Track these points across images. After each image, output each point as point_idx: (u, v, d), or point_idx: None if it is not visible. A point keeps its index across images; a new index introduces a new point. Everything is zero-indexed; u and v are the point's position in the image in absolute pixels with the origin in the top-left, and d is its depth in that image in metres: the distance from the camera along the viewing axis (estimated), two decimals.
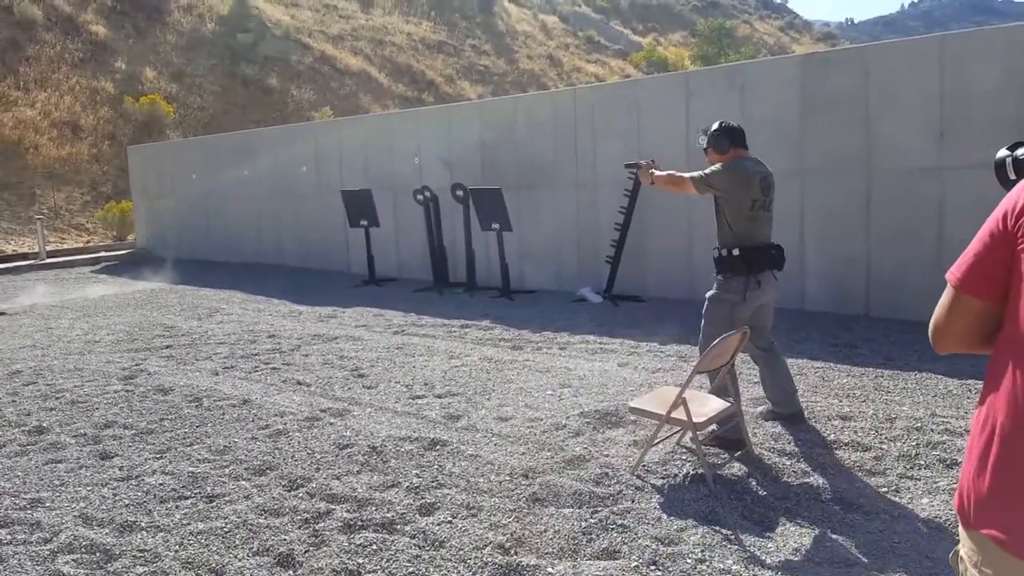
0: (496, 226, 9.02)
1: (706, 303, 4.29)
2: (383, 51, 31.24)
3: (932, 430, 4.27)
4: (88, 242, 19.17)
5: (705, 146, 4.25)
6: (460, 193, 9.58)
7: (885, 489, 3.62)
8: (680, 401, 3.58)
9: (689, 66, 38.23)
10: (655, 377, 5.64)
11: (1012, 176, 1.41)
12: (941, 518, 3.32)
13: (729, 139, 4.13)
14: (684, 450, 4.08)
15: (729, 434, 4.04)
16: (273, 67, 27.60)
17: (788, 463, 3.93)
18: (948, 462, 3.84)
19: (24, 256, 16.53)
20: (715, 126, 4.21)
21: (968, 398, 4.84)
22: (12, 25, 23.62)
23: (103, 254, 17.28)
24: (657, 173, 4.43)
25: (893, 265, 7.21)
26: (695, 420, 3.59)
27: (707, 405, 3.79)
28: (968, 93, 6.69)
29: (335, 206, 11.23)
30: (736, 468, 3.90)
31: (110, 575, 3.18)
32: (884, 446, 4.11)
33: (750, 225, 4.06)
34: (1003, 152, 1.53)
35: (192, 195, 15.47)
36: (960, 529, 1.39)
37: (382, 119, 12.63)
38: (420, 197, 10.02)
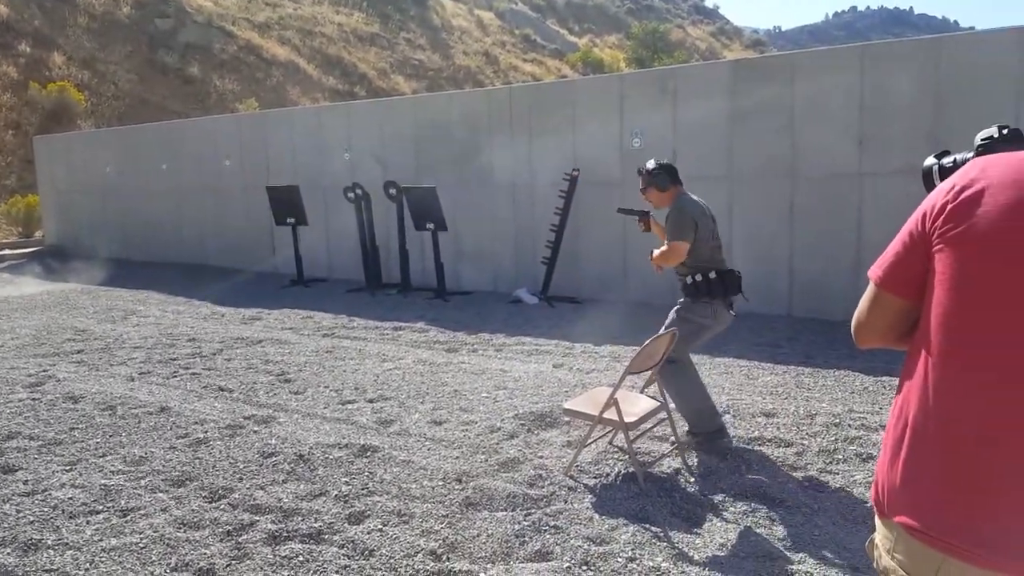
0: (431, 226, 8.91)
1: (683, 342, 4.08)
2: (312, 42, 30.52)
3: (849, 425, 4.42)
4: None
5: (642, 186, 4.25)
6: (393, 191, 9.42)
7: (807, 484, 3.72)
8: (612, 402, 3.59)
9: (624, 68, 38.77)
10: (589, 378, 5.66)
11: (938, 183, 1.46)
12: (857, 511, 3.43)
13: (669, 176, 4.17)
14: (616, 450, 4.10)
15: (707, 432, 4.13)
16: (194, 55, 26.60)
17: (715, 460, 4.00)
18: (864, 456, 3.97)
19: None
20: (651, 164, 4.22)
21: (883, 394, 5.03)
22: None
23: (7, 252, 16.32)
24: (656, 253, 4.26)
25: (815, 267, 7.45)
26: (627, 420, 3.61)
27: (638, 405, 3.81)
28: (886, 102, 6.97)
29: (261, 203, 10.89)
30: (666, 466, 3.95)
31: None
32: (805, 441, 4.23)
33: (714, 253, 4.11)
34: (930, 160, 1.59)
35: (106, 189, 14.76)
36: (876, 518, 1.44)
37: (312, 112, 12.30)
38: (351, 195, 9.81)
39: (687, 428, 4.16)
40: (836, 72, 7.20)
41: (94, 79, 24.04)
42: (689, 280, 4.12)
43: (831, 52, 7.68)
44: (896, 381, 4.97)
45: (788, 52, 7.55)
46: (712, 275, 4.06)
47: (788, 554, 3.10)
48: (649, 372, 4.02)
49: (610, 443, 4.13)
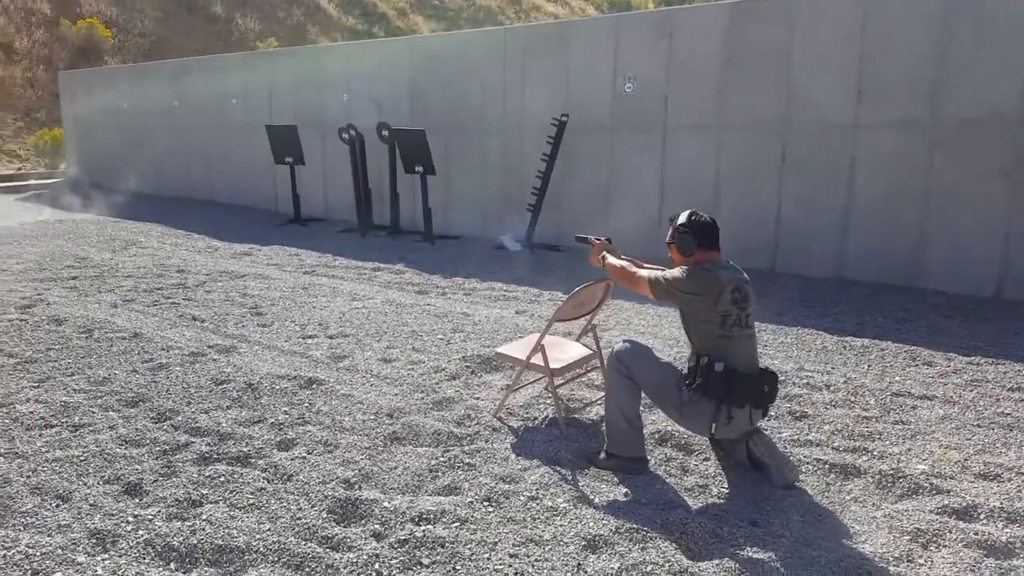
0: (420, 169, 8.94)
1: (653, 375, 3.35)
2: None
3: (794, 383, 4.44)
4: (19, 169, 18.49)
5: (668, 240, 3.42)
6: (385, 133, 9.45)
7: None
8: (539, 347, 3.66)
9: (651, 7, 37.77)
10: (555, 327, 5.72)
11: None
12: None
13: (696, 240, 3.26)
14: (550, 395, 4.19)
15: (759, 453, 3.30)
16: None
17: (643, 411, 4.06)
18: (797, 414, 4.01)
19: None
20: (682, 218, 3.33)
21: (840, 354, 5.03)
22: None
23: (32, 182, 16.72)
24: (611, 260, 3.59)
25: (802, 221, 7.37)
26: (552, 366, 3.68)
27: (567, 352, 3.88)
28: (888, 51, 6.77)
29: (264, 141, 10.99)
30: (593, 413, 4.03)
31: None
32: None
33: (722, 344, 3.16)
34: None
35: (123, 125, 14.97)
36: None
37: (313, 52, 12.29)
38: (346, 136, 9.85)
39: (604, 446, 3.48)
40: (836, 18, 6.99)
41: (122, 16, 24.12)
42: (691, 363, 3.28)
43: None
44: (862, 342, 4.94)
45: None
46: (719, 367, 3.13)
47: (689, 503, 3.17)
48: (585, 319, 4.07)
49: (545, 388, 4.21)
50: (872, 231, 6.99)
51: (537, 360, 3.68)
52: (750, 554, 2.71)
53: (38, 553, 2.77)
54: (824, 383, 4.41)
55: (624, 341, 3.45)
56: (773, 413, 4.03)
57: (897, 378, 4.53)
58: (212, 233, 10.06)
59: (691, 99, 7.87)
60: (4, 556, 2.75)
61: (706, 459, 3.54)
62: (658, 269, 3.47)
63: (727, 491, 3.26)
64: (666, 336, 5.48)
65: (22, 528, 2.94)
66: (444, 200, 9.78)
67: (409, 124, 9.63)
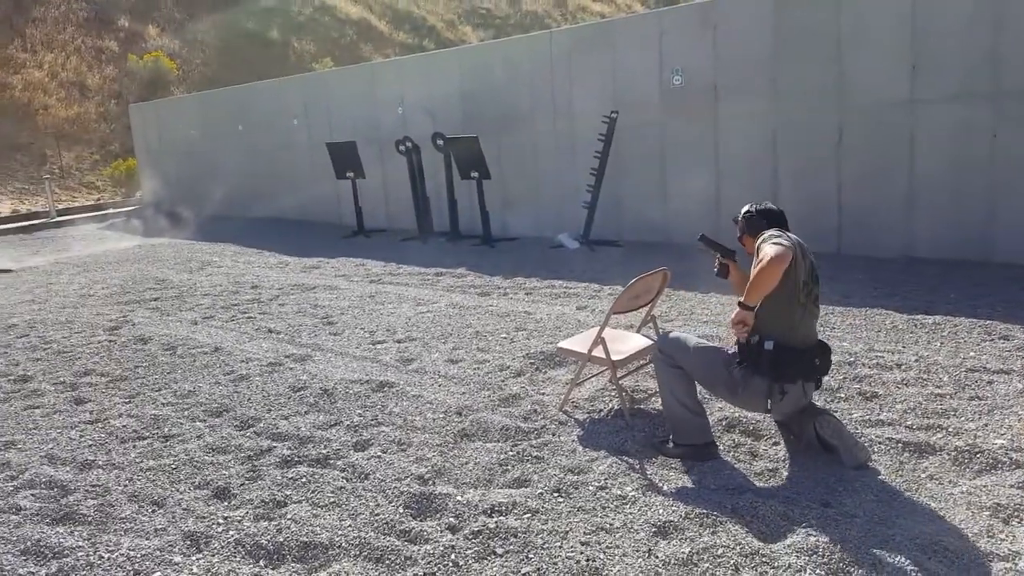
0: (475, 174, 9.09)
1: (699, 361, 3.33)
2: None
3: (864, 364, 4.37)
4: (98, 200, 19.47)
5: (739, 234, 3.46)
6: (440, 142, 9.63)
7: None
8: (600, 340, 3.72)
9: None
10: (615, 319, 5.76)
11: None
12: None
13: (764, 219, 3.33)
14: (615, 387, 4.23)
15: (826, 434, 3.25)
16: (274, 19, 27.39)
17: (707, 399, 4.06)
18: (868, 395, 3.95)
19: (36, 215, 16.88)
20: (745, 208, 3.44)
21: (911, 333, 4.91)
22: None
23: (110, 211, 17.58)
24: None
25: (864, 201, 7.21)
26: (614, 358, 3.73)
27: (628, 343, 3.92)
28: (941, 25, 6.58)
29: (326, 158, 11.32)
30: (658, 403, 4.05)
31: (62, 508, 3.41)
32: None
33: (795, 313, 3.12)
34: None
35: (191, 151, 15.63)
36: None
37: (367, 69, 12.59)
38: (402, 147, 10.08)
39: (670, 436, 3.50)
40: None
41: (184, 48, 25.16)
42: (742, 339, 3.19)
43: None
44: (934, 319, 4.80)
45: None
46: (768, 345, 3.10)
47: (759, 486, 3.18)
48: (644, 310, 4.11)
49: (609, 381, 4.26)
50: (938, 207, 6.79)
51: (598, 353, 3.74)
52: (822, 535, 2.70)
53: (138, 555, 2.97)
54: (895, 362, 4.32)
55: (665, 332, 3.49)
56: (842, 395, 3.99)
57: (972, 354, 4.41)
58: (282, 249, 10.43)
59: (741, 86, 7.79)
60: (108, 559, 2.96)
61: (775, 443, 3.53)
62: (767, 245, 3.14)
63: (798, 474, 3.24)
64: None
65: (122, 533, 3.16)
66: (501, 203, 9.90)
67: (462, 132, 9.79)
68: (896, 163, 6.98)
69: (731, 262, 3.60)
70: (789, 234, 3.20)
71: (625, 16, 11.52)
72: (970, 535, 2.66)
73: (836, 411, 3.81)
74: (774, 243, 3.06)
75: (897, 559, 2.52)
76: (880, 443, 3.38)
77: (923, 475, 3.12)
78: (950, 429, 3.44)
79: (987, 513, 2.79)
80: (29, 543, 3.08)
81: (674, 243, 8.39)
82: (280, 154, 13.51)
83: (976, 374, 4.07)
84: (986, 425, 3.47)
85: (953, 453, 3.23)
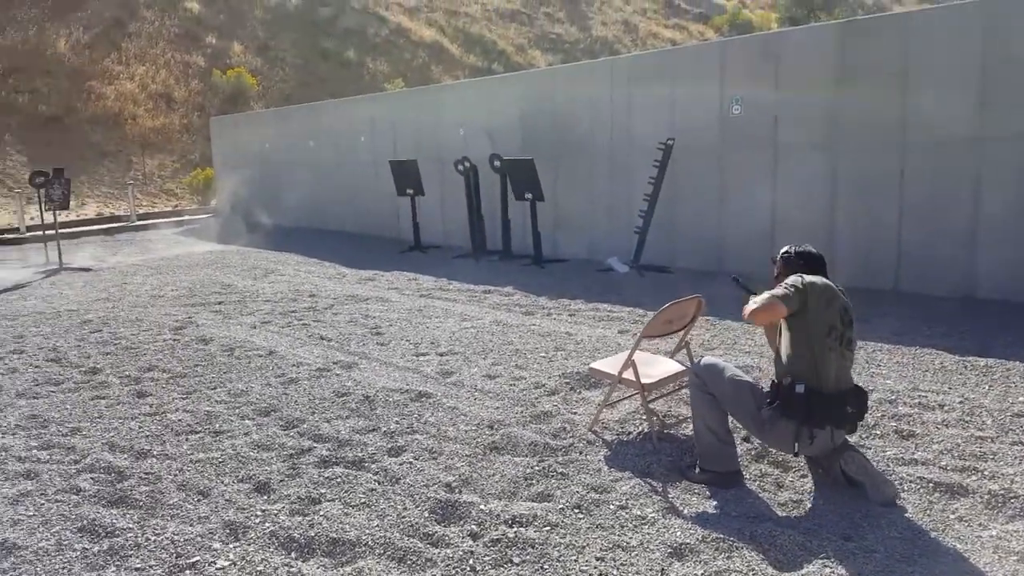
0: (529, 196, 9.24)
1: (730, 391, 3.36)
2: (456, 22, 31.56)
3: (905, 403, 4.30)
4: (176, 206, 20.43)
5: (776, 273, 3.50)
6: (497, 163, 9.83)
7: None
8: (630, 363, 3.78)
9: (775, 28, 36.88)
10: (652, 344, 5.78)
11: None
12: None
13: (802, 261, 3.39)
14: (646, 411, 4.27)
15: (851, 471, 3.25)
16: (351, 40, 28.37)
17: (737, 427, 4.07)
18: (904, 434, 3.89)
19: (118, 219, 17.82)
20: (784, 248, 3.50)
21: (960, 375, 4.80)
22: (118, 4, 25.13)
23: (187, 217, 18.43)
24: (748, 308, 3.34)
25: (925, 238, 7.06)
26: (643, 381, 3.78)
27: (658, 367, 3.96)
28: (1011, 62, 6.44)
29: (388, 175, 11.67)
30: (688, 429, 4.07)
31: (117, 491, 3.64)
32: None
33: (824, 357, 3.14)
34: None
35: (264, 163, 16.28)
36: None
37: (432, 91, 12.97)
38: (461, 167, 10.34)
39: (697, 461, 3.53)
40: (953, 31, 6.73)
41: (265, 65, 26.28)
42: (774, 381, 3.28)
43: (947, 10, 7.16)
44: (986, 362, 4.68)
45: (900, 12, 7.13)
46: (799, 388, 3.11)
47: (781, 516, 3.18)
48: (679, 337, 4.15)
49: (642, 404, 4.30)
50: (1003, 247, 6.60)
51: (628, 375, 3.80)
52: (839, 567, 2.70)
53: (181, 539, 3.16)
54: (938, 403, 4.24)
55: (703, 358, 3.51)
56: (878, 431, 3.94)
57: (1021, 398, 4.28)
58: (341, 261, 10.77)
59: (802, 118, 7.75)
60: (154, 541, 3.15)
61: (803, 476, 3.51)
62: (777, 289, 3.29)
63: (822, 506, 3.23)
64: (771, 356, 5.40)
65: (169, 518, 3.36)
66: (553, 225, 10.03)
67: (520, 154, 9.97)
68: (959, 201, 6.82)
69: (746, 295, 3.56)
70: (816, 280, 3.22)
71: (684, 46, 11.54)
72: None
73: (870, 448, 3.77)
74: (775, 293, 3.19)
75: None
76: (911, 482, 3.33)
77: (952, 516, 3.07)
78: (986, 472, 3.37)
79: (1015, 558, 2.73)
80: (85, 522, 3.31)
81: (726, 271, 8.31)
82: (346, 170, 13.97)
83: (1022, 419, 3.96)
84: None
85: (986, 496, 3.17)
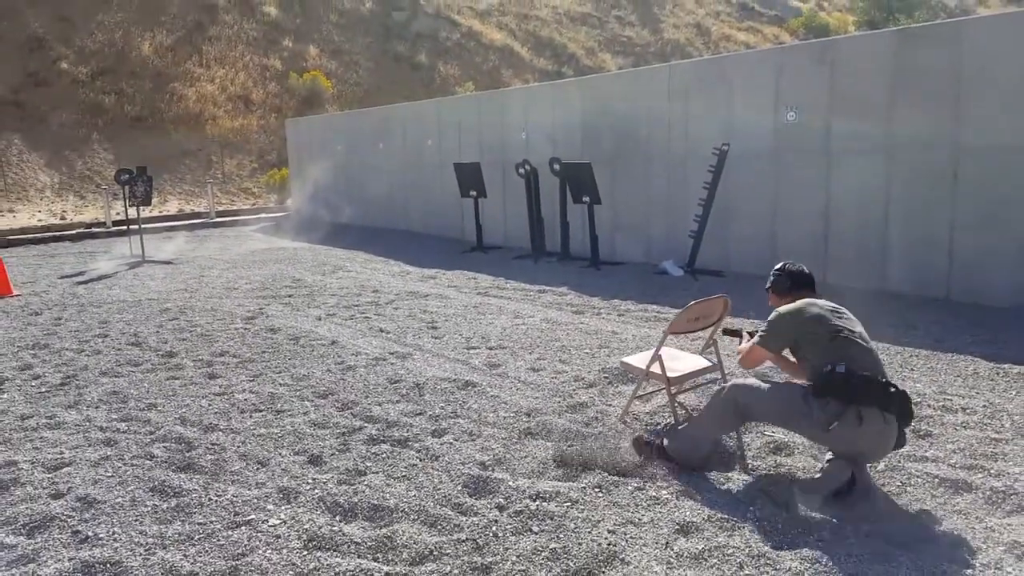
0: (586, 199, 9.49)
1: (773, 389, 3.46)
2: (527, 25, 31.93)
3: (930, 405, 4.39)
4: (253, 205, 21.43)
5: (766, 287, 3.80)
6: (556, 167, 10.11)
7: None
8: (657, 357, 4.01)
9: (853, 31, 35.98)
10: (695, 344, 5.96)
11: None
12: (885, 484, 3.53)
13: (791, 281, 3.62)
14: (678, 405, 4.49)
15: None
16: (423, 44, 29.08)
17: (757, 427, 4.23)
18: (922, 433, 4.00)
19: (198, 215, 18.85)
20: (779, 265, 3.75)
21: (991, 380, 4.84)
22: (199, 8, 26.46)
23: (262, 215, 19.33)
24: (742, 347, 3.72)
25: (978, 247, 7.01)
26: (669, 375, 4.01)
27: (685, 362, 4.18)
28: None
29: (452, 177, 12.10)
30: None
31: (186, 459, 4.09)
32: None
33: (839, 349, 3.26)
34: None
35: (337, 164, 16.98)
36: None
37: (496, 95, 13.34)
38: (522, 171, 10.66)
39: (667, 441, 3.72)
40: (1009, 38, 6.67)
41: (340, 68, 27.21)
42: (813, 376, 3.32)
43: (1007, 17, 7.08)
44: (1019, 370, 4.73)
45: (957, 19, 7.10)
46: (840, 368, 3.17)
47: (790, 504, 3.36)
48: (708, 334, 4.36)
49: (667, 397, 4.52)
50: None
51: (655, 369, 4.03)
52: (832, 548, 2.89)
53: (239, 501, 3.56)
54: (962, 406, 4.32)
55: (741, 379, 3.61)
56: None
57: None
58: (406, 259, 11.24)
59: (856, 124, 7.77)
60: (215, 501, 3.56)
61: (817, 475, 3.68)
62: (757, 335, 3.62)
63: (830, 497, 3.40)
64: None
65: (231, 483, 3.77)
66: (611, 228, 10.24)
67: (580, 158, 10.22)
68: (1013, 209, 6.75)
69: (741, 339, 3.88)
70: (787, 311, 3.44)
71: (740, 52, 11.57)
72: (978, 565, 2.77)
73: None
74: (761, 344, 3.48)
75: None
76: (918, 477, 3.47)
77: (951, 510, 3.20)
78: (992, 471, 3.48)
79: (1002, 548, 2.87)
80: (156, 483, 3.75)
81: None
82: (413, 171, 14.48)
83: None
84: None
85: (988, 493, 3.29)
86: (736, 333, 4.04)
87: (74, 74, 22.58)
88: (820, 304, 3.42)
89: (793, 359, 3.55)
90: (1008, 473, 3.46)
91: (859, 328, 3.39)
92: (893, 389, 3.17)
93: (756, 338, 3.55)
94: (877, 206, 7.70)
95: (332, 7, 29.21)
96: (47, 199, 19.54)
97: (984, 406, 4.32)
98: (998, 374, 4.93)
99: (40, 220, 17.66)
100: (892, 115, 7.50)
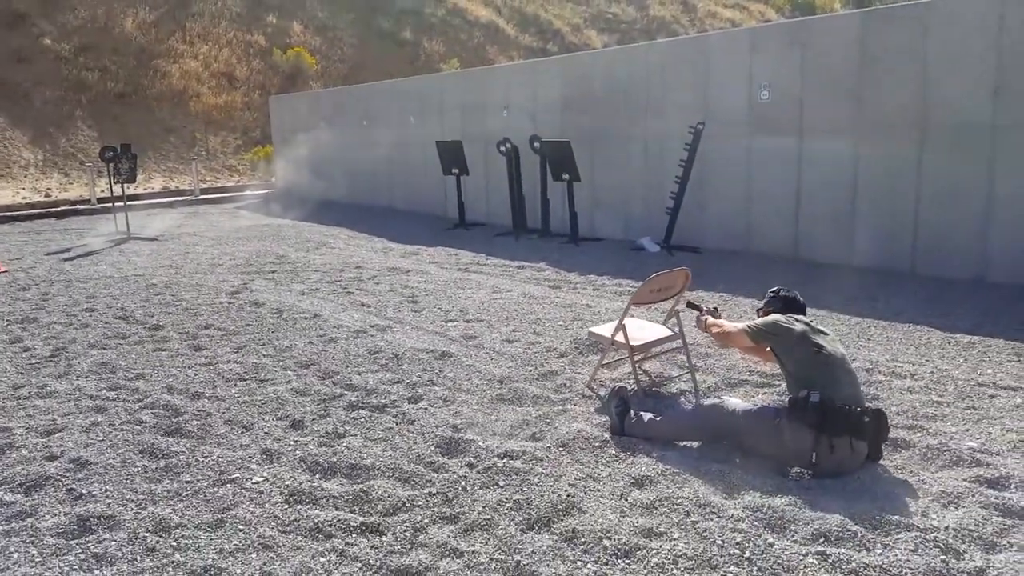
0: (566, 176, 9.67)
1: (746, 412, 3.56)
2: (513, 2, 31.82)
3: (880, 372, 4.65)
4: (238, 182, 21.43)
5: (760, 307, 3.96)
6: (536, 145, 10.27)
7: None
8: (621, 327, 4.23)
9: (839, 9, 36.10)
10: (664, 317, 6.20)
11: None
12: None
13: (783, 304, 3.79)
14: (641, 372, 4.72)
15: None
16: (408, 20, 28.94)
17: (718, 382, 4.48)
18: (869, 397, 4.23)
19: (182, 192, 18.87)
20: (775, 288, 3.93)
21: (941, 349, 5.10)
22: None
23: (247, 193, 19.37)
24: (710, 322, 3.98)
25: (941, 223, 7.27)
26: (632, 344, 4.24)
27: (648, 332, 4.41)
28: None
29: (435, 155, 12.23)
30: (673, 388, 4.52)
31: (173, 423, 4.28)
32: None
33: (820, 373, 3.39)
34: None
35: (320, 142, 17.02)
36: None
37: (478, 74, 13.43)
38: (503, 148, 10.81)
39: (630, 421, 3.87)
40: (971, 20, 6.88)
41: (324, 44, 27.06)
42: (791, 394, 3.47)
43: None
44: (970, 339, 4.89)
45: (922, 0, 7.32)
46: (815, 397, 3.27)
47: (744, 465, 3.59)
48: (671, 304, 4.58)
49: (639, 367, 4.75)
50: (1016, 232, 6.77)
51: (619, 338, 4.25)
52: (773, 498, 3.13)
53: (224, 461, 3.76)
54: (910, 372, 4.58)
55: (719, 400, 3.77)
56: None
57: (989, 371, 4.59)
58: (389, 236, 11.40)
59: (826, 104, 7.98)
60: (202, 462, 3.77)
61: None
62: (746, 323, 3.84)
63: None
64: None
65: (216, 446, 3.97)
66: (590, 205, 10.43)
67: (560, 136, 10.38)
68: (975, 187, 7.00)
69: (706, 318, 4.05)
70: (803, 321, 3.62)
71: (716, 32, 11.73)
72: (908, 512, 3.01)
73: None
74: (747, 331, 3.69)
75: (827, 520, 2.92)
76: None
77: (889, 465, 3.45)
78: (931, 431, 3.74)
79: (930, 498, 3.12)
80: (145, 446, 3.95)
81: (753, 252, 8.67)
82: (396, 149, 14.58)
83: (983, 388, 4.28)
84: (967, 430, 3.73)
85: (924, 450, 3.54)
86: (696, 307, 4.24)
87: (57, 50, 22.39)
88: (811, 324, 3.61)
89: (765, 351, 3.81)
90: (945, 432, 3.71)
91: (841, 350, 3.56)
92: (867, 418, 3.28)
93: (745, 325, 3.74)
94: (847, 183, 7.93)
95: None
96: (31, 176, 19.49)
97: (932, 372, 4.58)
98: (950, 343, 5.19)
99: (24, 198, 17.63)
100: (861, 95, 7.70)
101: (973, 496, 3.10)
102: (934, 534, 2.82)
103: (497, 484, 3.39)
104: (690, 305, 4.34)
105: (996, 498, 3.06)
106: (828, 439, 3.25)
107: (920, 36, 7.22)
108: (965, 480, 3.24)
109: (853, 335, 5.52)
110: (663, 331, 4.45)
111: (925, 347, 5.16)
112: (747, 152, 8.77)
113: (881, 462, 3.46)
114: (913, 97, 7.33)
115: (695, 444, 3.74)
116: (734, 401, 3.71)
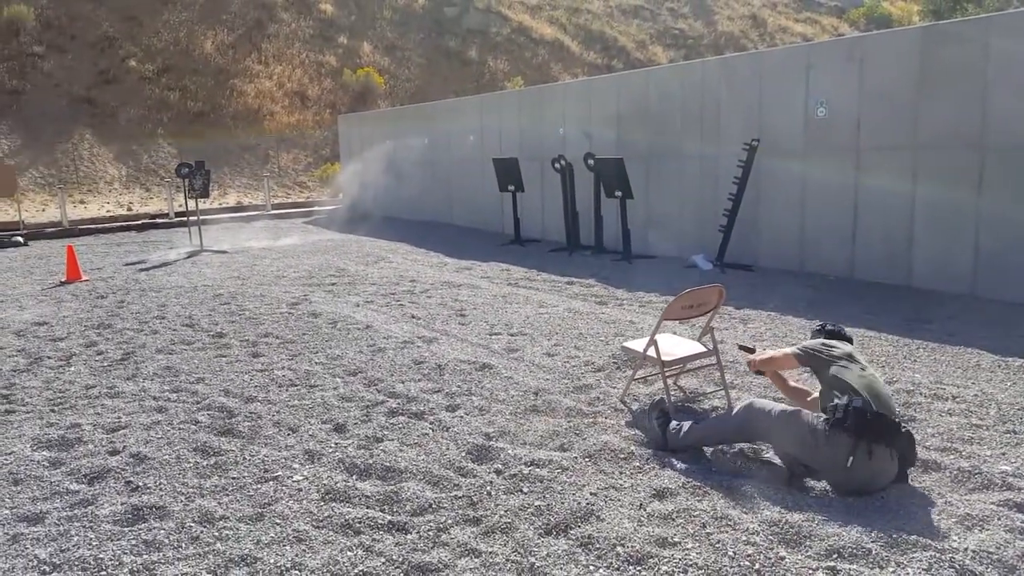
0: (619, 193, 9.74)
1: (783, 413, 3.54)
2: (578, 19, 32.09)
3: (922, 394, 4.56)
4: (307, 198, 22.20)
5: (810, 337, 4.01)
6: (590, 162, 10.37)
7: None
8: (652, 342, 4.30)
9: (916, 22, 35.08)
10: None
11: None
12: None
13: (824, 334, 3.87)
14: (676, 388, 4.77)
15: None
16: (474, 39, 29.53)
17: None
18: (906, 418, 4.18)
19: (255, 208, 19.67)
20: (818, 324, 4.04)
21: (990, 372, 4.97)
22: (258, 7, 27.41)
23: (315, 208, 20.06)
24: (759, 360, 4.03)
25: (1002, 244, 7.05)
26: (664, 359, 4.29)
27: (680, 347, 4.45)
28: None
29: (492, 172, 12.47)
30: (706, 404, 4.54)
31: (226, 424, 4.55)
32: None
33: (862, 388, 3.39)
34: None
35: (385, 159, 17.53)
36: None
37: (536, 92, 13.62)
38: (557, 166, 10.96)
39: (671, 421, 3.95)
40: None
41: (392, 64, 27.86)
42: (829, 403, 3.45)
43: None
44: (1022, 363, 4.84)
45: (985, 15, 7.14)
46: (857, 402, 3.28)
47: (767, 483, 3.62)
48: (704, 321, 4.62)
49: (674, 383, 4.79)
50: None
51: (651, 353, 4.31)
52: (792, 514, 3.15)
53: (269, 460, 3.99)
54: (952, 394, 4.49)
55: (745, 399, 3.81)
56: None
57: None
58: (445, 251, 11.66)
59: (884, 121, 7.85)
60: (248, 460, 4.00)
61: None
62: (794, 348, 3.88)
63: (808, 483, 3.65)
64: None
65: (263, 445, 4.21)
66: (644, 222, 10.46)
67: (615, 153, 10.47)
68: None
69: (753, 361, 4.10)
70: (844, 346, 3.67)
71: (772, 49, 11.65)
72: (929, 534, 2.99)
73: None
74: (795, 354, 3.76)
75: (843, 537, 2.93)
76: None
77: (917, 486, 3.42)
78: (964, 453, 3.67)
79: (954, 520, 3.08)
80: (199, 444, 4.21)
81: (806, 272, 8.55)
82: (456, 166, 14.91)
83: None
84: (1003, 454, 3.65)
85: (955, 472, 3.49)
86: (750, 350, 4.26)
87: (141, 71, 23.72)
88: (852, 353, 3.63)
89: (794, 385, 4.01)
90: (978, 455, 3.65)
91: (880, 375, 3.59)
92: (904, 429, 3.30)
93: (791, 349, 3.77)
94: (904, 202, 7.77)
95: (386, 4, 29.89)
96: (115, 191, 20.66)
97: (975, 395, 4.48)
98: (1000, 367, 5.05)
99: (108, 211, 18.70)
100: (919, 112, 7.56)
101: (999, 519, 3.05)
102: (951, 555, 2.80)
103: (521, 490, 3.51)
104: (742, 348, 4.44)
105: (1023, 522, 3.01)
106: (868, 445, 3.19)
107: (980, 53, 7.06)
108: (993, 503, 3.19)
109: (900, 356, 5.42)
110: (696, 347, 4.49)
111: (973, 370, 5.03)
112: (802, 169, 8.68)
113: (908, 483, 3.43)
114: (972, 115, 7.15)
115: (728, 452, 3.77)
116: (767, 402, 3.70)
